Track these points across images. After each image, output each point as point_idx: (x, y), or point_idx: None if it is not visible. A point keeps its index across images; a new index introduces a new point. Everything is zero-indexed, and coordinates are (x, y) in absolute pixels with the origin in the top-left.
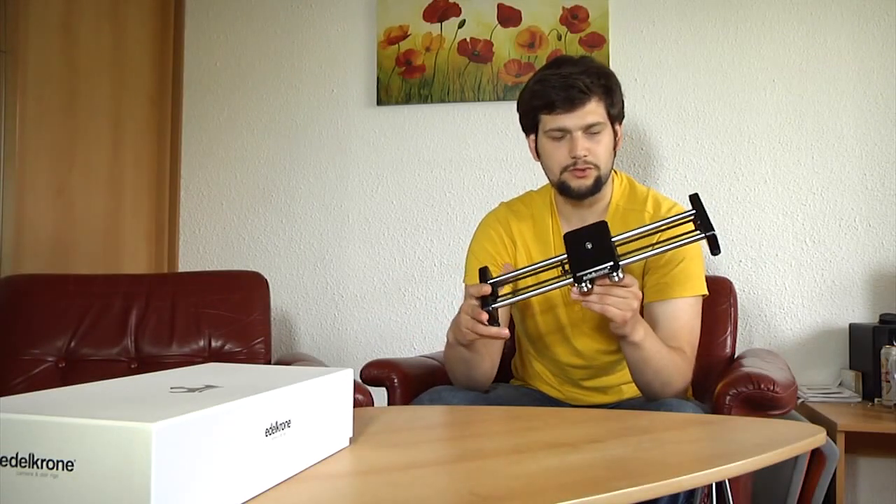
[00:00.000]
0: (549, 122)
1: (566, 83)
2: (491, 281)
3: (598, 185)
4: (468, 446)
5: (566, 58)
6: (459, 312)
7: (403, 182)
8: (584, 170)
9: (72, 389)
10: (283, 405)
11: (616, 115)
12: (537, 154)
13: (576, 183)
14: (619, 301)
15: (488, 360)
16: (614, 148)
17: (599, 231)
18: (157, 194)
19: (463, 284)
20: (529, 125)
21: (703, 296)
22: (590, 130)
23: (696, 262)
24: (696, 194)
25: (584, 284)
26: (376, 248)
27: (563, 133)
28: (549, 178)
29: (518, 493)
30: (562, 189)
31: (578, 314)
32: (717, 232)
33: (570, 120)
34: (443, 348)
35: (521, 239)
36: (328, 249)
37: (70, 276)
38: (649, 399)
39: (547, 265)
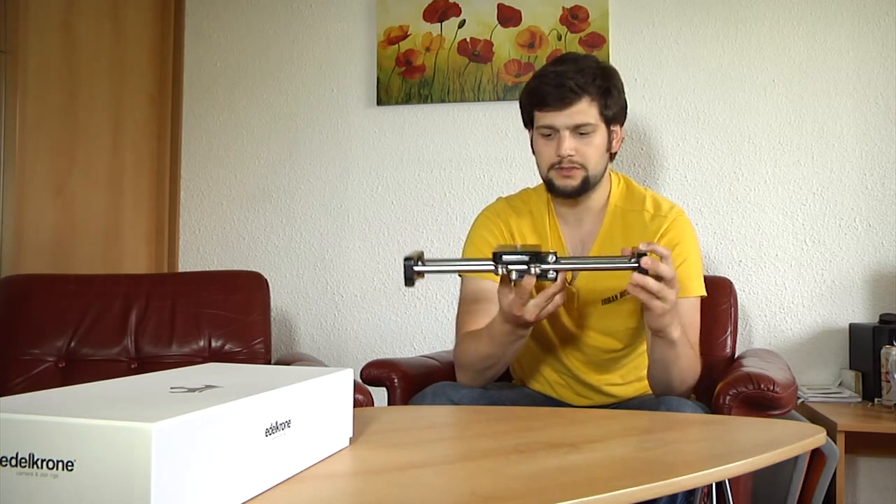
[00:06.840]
0: (540, 118)
1: (558, 81)
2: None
3: (585, 186)
4: (468, 446)
5: (569, 55)
6: (515, 308)
7: (403, 182)
8: (569, 169)
9: (72, 389)
10: (283, 405)
11: (612, 117)
12: (533, 150)
13: (561, 182)
14: (657, 288)
15: (511, 353)
16: (610, 149)
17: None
18: (157, 194)
19: (459, 278)
20: (527, 120)
21: (703, 297)
22: (578, 130)
23: (696, 264)
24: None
25: (502, 268)
26: (376, 248)
27: (552, 131)
28: (540, 174)
29: (518, 493)
30: (549, 187)
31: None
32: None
33: (559, 118)
34: (443, 348)
35: (520, 234)
36: (328, 249)
37: (70, 276)
38: (658, 395)
39: (479, 266)
